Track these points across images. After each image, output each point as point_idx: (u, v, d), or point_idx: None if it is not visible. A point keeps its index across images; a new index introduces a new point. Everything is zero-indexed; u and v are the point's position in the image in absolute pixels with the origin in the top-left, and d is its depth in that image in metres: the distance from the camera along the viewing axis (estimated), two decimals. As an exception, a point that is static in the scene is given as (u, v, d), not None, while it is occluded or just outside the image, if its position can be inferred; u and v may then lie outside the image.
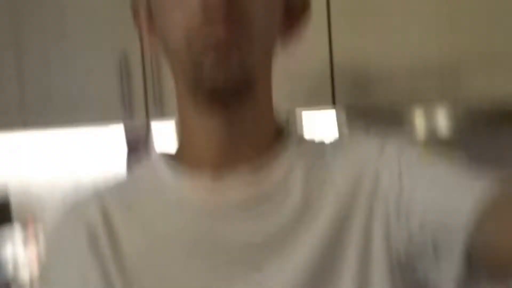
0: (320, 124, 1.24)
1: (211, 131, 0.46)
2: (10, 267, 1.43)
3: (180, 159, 0.50)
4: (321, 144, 0.53)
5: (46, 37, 1.31)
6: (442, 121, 0.86)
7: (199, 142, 0.48)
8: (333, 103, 0.92)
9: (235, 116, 0.46)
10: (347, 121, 0.93)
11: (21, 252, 1.45)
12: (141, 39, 1.10)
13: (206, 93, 0.44)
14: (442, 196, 0.42)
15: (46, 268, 0.51)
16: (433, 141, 1.03)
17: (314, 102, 0.95)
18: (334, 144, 0.52)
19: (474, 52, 0.82)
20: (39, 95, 1.33)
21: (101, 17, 1.23)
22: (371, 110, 0.94)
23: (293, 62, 0.92)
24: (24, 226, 1.48)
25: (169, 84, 1.15)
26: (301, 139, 0.53)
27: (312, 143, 0.53)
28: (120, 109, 1.19)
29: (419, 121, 0.93)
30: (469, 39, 0.82)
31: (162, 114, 1.17)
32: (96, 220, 0.47)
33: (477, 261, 0.40)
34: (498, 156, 1.00)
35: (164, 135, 1.51)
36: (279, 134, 0.51)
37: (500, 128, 1.02)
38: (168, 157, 0.51)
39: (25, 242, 1.46)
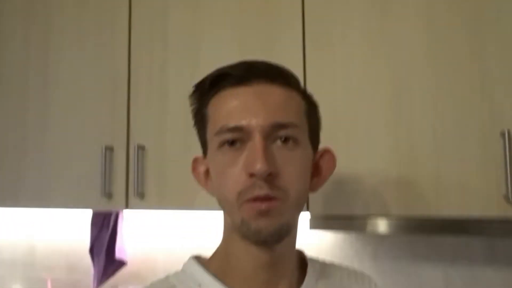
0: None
1: (257, 263, 0.58)
2: None
3: (216, 270, 0.61)
4: (337, 267, 0.70)
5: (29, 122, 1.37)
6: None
7: (244, 267, 0.59)
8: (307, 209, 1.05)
9: (277, 251, 0.58)
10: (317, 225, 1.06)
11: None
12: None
13: (252, 242, 0.56)
14: None
15: None
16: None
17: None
18: (349, 270, 0.70)
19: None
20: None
21: (87, 110, 1.31)
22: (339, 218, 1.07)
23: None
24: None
25: (151, 178, 1.19)
26: (321, 263, 0.68)
27: (330, 266, 0.69)
28: (100, 196, 1.24)
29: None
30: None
31: (142, 205, 1.22)
32: None
33: None
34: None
35: (143, 225, 1.57)
36: (302, 258, 0.66)
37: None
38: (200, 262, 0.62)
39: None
